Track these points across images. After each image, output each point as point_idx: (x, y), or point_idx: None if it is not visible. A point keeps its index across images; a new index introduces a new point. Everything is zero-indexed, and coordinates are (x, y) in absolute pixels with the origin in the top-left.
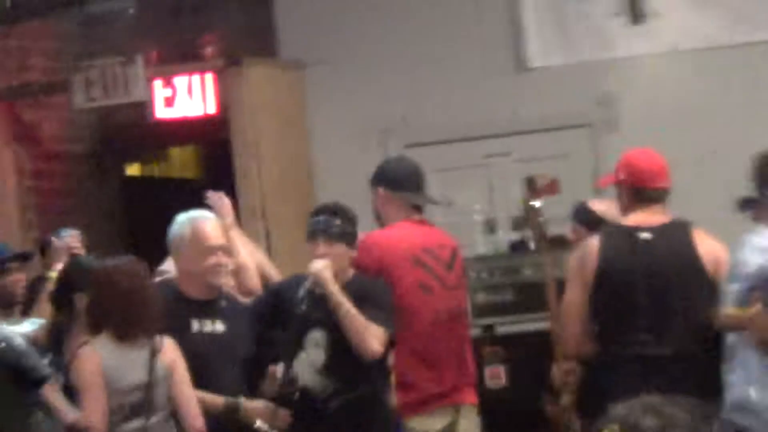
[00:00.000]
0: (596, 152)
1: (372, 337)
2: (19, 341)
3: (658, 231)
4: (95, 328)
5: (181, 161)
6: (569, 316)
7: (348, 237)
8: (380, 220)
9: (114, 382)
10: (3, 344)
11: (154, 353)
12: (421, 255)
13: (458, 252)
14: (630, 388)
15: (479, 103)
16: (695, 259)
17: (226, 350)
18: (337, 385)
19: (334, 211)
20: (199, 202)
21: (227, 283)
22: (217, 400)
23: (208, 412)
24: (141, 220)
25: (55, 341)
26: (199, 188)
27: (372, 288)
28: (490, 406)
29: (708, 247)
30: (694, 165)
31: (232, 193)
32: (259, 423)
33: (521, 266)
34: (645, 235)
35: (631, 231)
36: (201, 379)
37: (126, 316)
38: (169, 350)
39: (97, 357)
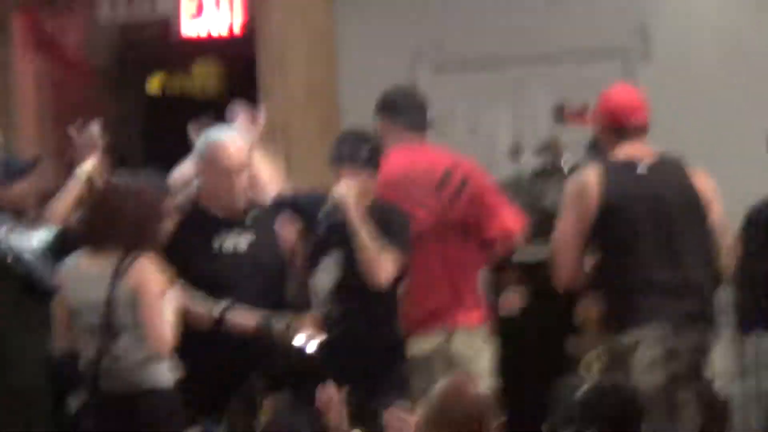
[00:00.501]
0: (629, 83)
1: (380, 268)
2: (28, 254)
3: (653, 165)
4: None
5: (203, 79)
6: (563, 246)
7: (373, 164)
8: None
9: (69, 299)
10: (10, 258)
11: (117, 272)
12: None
13: (455, 170)
14: (646, 315)
15: (511, 29)
16: (694, 193)
17: (248, 266)
18: (341, 311)
19: (362, 137)
20: (221, 121)
21: (241, 204)
22: (247, 317)
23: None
24: (162, 136)
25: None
26: (221, 107)
27: (389, 215)
28: (505, 332)
29: (702, 183)
30: (729, 101)
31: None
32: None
33: (544, 192)
34: (642, 170)
35: (628, 164)
36: (222, 296)
37: (93, 228)
38: (141, 271)
39: (60, 273)
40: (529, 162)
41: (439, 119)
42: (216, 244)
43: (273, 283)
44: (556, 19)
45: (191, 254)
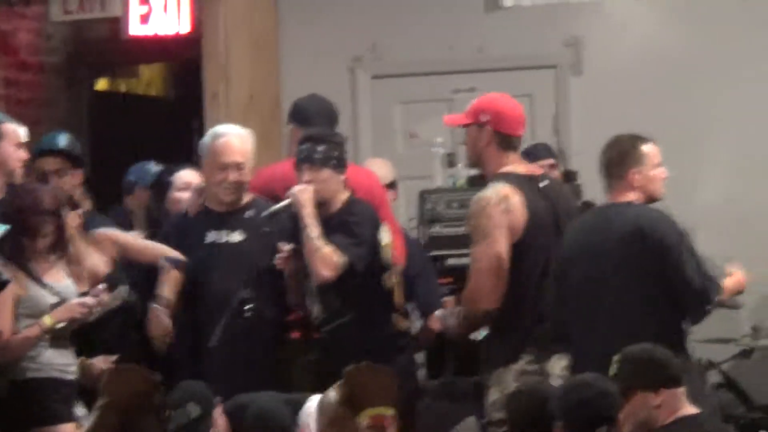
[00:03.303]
0: (559, 94)
1: (321, 261)
2: None
3: (544, 180)
4: None
5: (149, 79)
6: (499, 270)
7: (333, 161)
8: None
9: None
10: None
11: None
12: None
13: (364, 194)
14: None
15: (448, 38)
16: (575, 210)
17: (237, 260)
18: (329, 311)
19: (318, 138)
20: (166, 120)
21: (235, 200)
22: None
23: None
24: (108, 135)
25: None
26: (167, 107)
27: (353, 214)
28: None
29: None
30: (660, 115)
31: (199, 114)
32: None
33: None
34: (542, 183)
35: (530, 178)
36: (197, 287)
37: None
38: None
39: None
40: (465, 171)
41: (376, 125)
42: (210, 237)
43: (265, 278)
44: (492, 29)
45: (184, 246)
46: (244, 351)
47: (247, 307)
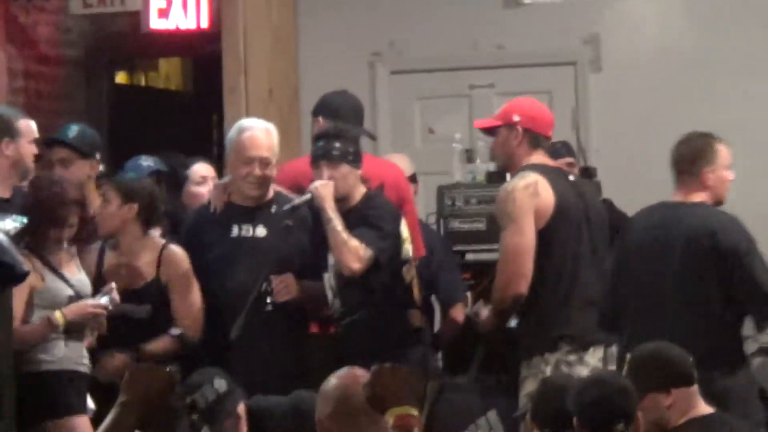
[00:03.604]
0: (578, 91)
1: (349, 254)
2: (1, 236)
3: (573, 176)
4: None
5: (168, 73)
6: (524, 253)
7: (350, 156)
8: None
9: None
10: None
11: None
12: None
13: (396, 186)
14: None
15: (466, 34)
16: (603, 208)
17: (260, 254)
18: (347, 306)
19: (334, 133)
20: (185, 114)
21: (260, 194)
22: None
23: None
24: (127, 128)
25: None
26: (186, 100)
27: (373, 208)
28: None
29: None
30: (678, 111)
31: (218, 108)
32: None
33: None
34: (571, 177)
35: (558, 171)
36: (220, 281)
37: None
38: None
39: None
40: (484, 166)
41: (395, 120)
42: (234, 231)
43: (286, 272)
44: (511, 26)
45: (208, 240)
46: (264, 344)
47: (268, 300)
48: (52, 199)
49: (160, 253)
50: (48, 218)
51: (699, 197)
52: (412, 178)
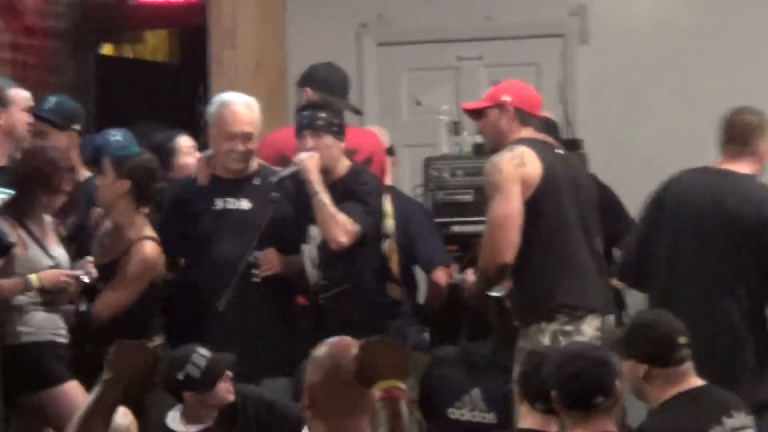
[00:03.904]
0: (566, 63)
1: (337, 227)
2: None
3: (561, 149)
4: None
5: (154, 45)
6: (509, 223)
7: (334, 128)
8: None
9: None
10: None
11: None
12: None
13: (374, 158)
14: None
15: (455, 5)
16: (592, 181)
17: (245, 226)
18: (327, 280)
19: (319, 104)
20: (171, 86)
21: (243, 168)
22: None
23: None
24: (113, 100)
25: None
26: (173, 72)
27: (361, 183)
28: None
29: None
30: (666, 84)
31: (205, 80)
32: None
33: (483, 169)
34: (558, 150)
35: (546, 143)
36: (205, 253)
37: None
38: None
39: None
40: (471, 138)
41: (382, 92)
42: (219, 204)
43: (272, 245)
44: None
45: (193, 212)
46: (252, 315)
47: (254, 271)
48: (48, 166)
49: (134, 242)
50: (43, 185)
51: (747, 168)
52: (389, 151)
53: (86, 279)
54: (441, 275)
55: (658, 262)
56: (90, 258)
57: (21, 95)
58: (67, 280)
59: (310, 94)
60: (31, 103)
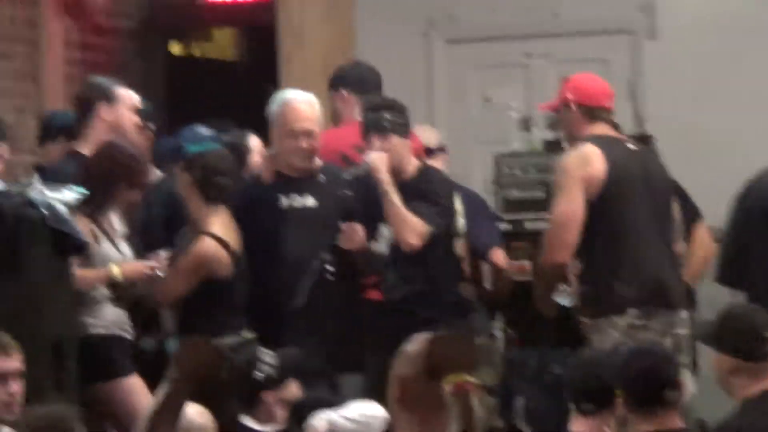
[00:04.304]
0: (635, 59)
1: (408, 229)
2: (62, 208)
3: (635, 145)
4: None
5: (222, 43)
6: (569, 222)
7: (400, 128)
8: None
9: None
10: (46, 211)
11: None
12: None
13: None
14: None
15: (522, 2)
16: (668, 175)
17: (311, 224)
18: (399, 279)
19: (384, 105)
20: (239, 85)
21: (307, 166)
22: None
23: None
24: (183, 99)
25: None
26: (241, 71)
27: (430, 182)
28: (515, 299)
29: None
30: (735, 79)
31: (273, 78)
32: None
33: (553, 165)
34: (631, 146)
35: (617, 140)
36: (271, 252)
37: None
38: None
39: None
40: (540, 135)
41: (451, 90)
42: (284, 202)
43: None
44: None
45: (259, 210)
46: (325, 313)
47: (328, 268)
48: (132, 160)
49: (197, 236)
50: (127, 178)
51: None
52: (430, 151)
53: (161, 273)
54: (499, 257)
55: (754, 261)
56: (163, 253)
57: (128, 95)
58: (148, 271)
59: (345, 95)
60: (139, 104)
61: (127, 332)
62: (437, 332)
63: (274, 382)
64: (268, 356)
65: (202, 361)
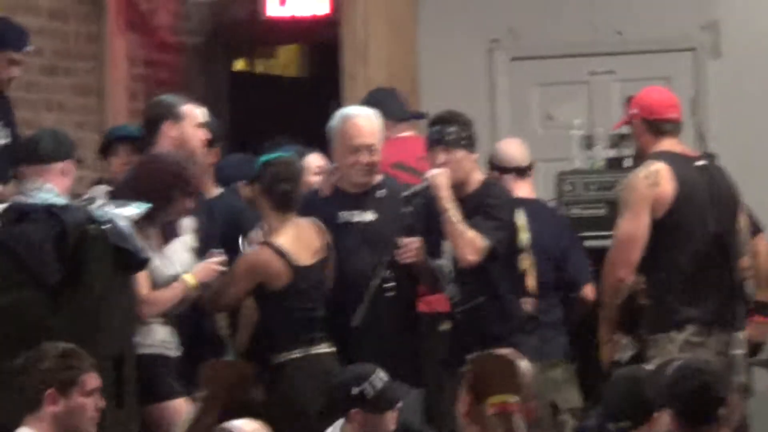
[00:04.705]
0: (698, 77)
1: (466, 245)
2: (124, 223)
3: (703, 161)
4: None
5: (285, 60)
6: (632, 242)
7: (465, 141)
8: None
9: None
10: (109, 225)
11: None
12: (388, 170)
13: (405, 164)
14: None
15: (585, 20)
16: (736, 193)
17: (370, 239)
18: (462, 294)
19: (449, 119)
20: (303, 101)
21: (368, 181)
22: None
23: None
24: (246, 115)
25: None
26: (305, 87)
27: (491, 197)
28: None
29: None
30: None
31: (336, 95)
32: None
33: (616, 183)
34: (699, 163)
35: (684, 158)
36: (340, 266)
37: None
38: None
39: None
40: (603, 152)
41: (514, 107)
42: (342, 218)
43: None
44: (631, 12)
45: None
46: (385, 330)
47: (388, 285)
48: (184, 169)
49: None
50: (182, 188)
51: None
52: (529, 168)
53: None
54: (590, 291)
55: None
56: (216, 251)
57: (194, 112)
58: (217, 268)
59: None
60: (205, 120)
61: (171, 349)
62: (479, 353)
63: (368, 403)
64: (378, 379)
65: (231, 380)
